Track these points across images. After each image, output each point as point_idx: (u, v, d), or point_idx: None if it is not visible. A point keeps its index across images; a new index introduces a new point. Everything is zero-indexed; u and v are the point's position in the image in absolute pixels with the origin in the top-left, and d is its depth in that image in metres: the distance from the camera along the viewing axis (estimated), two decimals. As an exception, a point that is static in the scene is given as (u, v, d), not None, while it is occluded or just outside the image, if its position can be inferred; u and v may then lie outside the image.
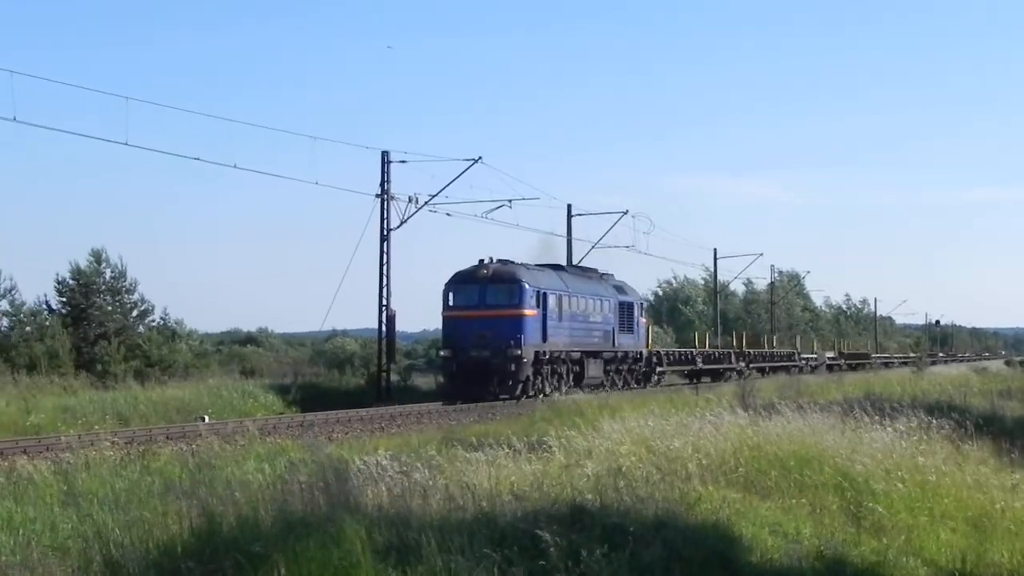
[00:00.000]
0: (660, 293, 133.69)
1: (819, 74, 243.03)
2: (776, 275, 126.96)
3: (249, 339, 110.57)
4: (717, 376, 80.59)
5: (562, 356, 55.08)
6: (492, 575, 11.82)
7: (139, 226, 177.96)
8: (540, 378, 52.63)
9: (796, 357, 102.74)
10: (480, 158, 54.39)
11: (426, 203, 54.73)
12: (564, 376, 55.51)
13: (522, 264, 54.72)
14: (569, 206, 72.21)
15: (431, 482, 15.44)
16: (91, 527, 14.59)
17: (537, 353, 51.65)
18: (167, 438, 28.31)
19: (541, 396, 50.77)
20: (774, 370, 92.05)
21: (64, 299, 62.95)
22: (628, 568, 12.84)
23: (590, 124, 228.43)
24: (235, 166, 46.90)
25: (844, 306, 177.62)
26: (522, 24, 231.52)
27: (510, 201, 57.77)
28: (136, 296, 66.05)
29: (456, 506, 14.17)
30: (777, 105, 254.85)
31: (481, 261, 53.41)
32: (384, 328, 55.38)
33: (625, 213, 72.28)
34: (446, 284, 53.30)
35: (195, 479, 18.56)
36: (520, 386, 50.91)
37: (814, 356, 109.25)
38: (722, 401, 28.83)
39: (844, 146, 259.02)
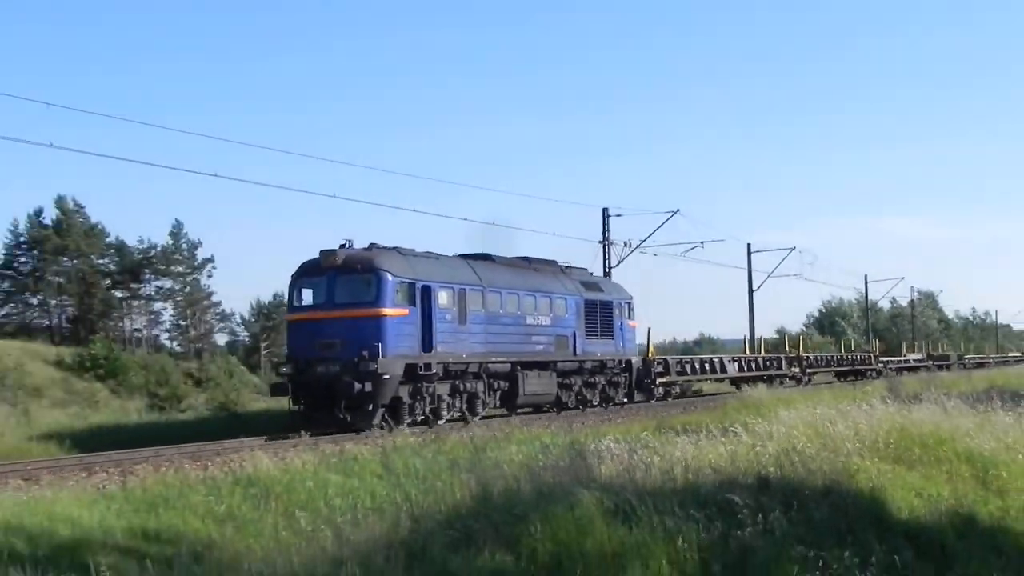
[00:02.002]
0: (824, 310, 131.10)
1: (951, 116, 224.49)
2: (915, 295, 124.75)
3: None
4: (769, 383, 53.56)
5: (471, 369, 30.90)
6: (696, 530, 11.69)
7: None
8: (424, 399, 28.84)
9: (872, 361, 74.31)
10: (678, 210, 54.49)
11: (637, 247, 54.39)
12: (481, 394, 31.31)
13: (393, 248, 29.97)
14: (748, 245, 69.97)
15: (649, 459, 15.40)
16: (400, 494, 14.83)
17: (414, 366, 28.01)
18: (451, 428, 28.17)
19: (439, 424, 29.07)
20: (844, 375, 67.70)
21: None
22: (803, 524, 12.76)
23: (768, 171, 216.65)
24: (494, 223, 46.38)
25: (971, 317, 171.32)
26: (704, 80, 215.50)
27: (702, 243, 57.13)
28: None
29: (668, 477, 14.10)
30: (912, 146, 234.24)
31: (343, 245, 29.73)
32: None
33: (792, 249, 70.25)
34: (291, 277, 30.49)
35: (473, 458, 18.76)
36: (381, 412, 27.51)
37: (900, 359, 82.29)
38: (875, 394, 28.29)
39: (974, 182, 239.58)
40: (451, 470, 17.23)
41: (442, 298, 29.24)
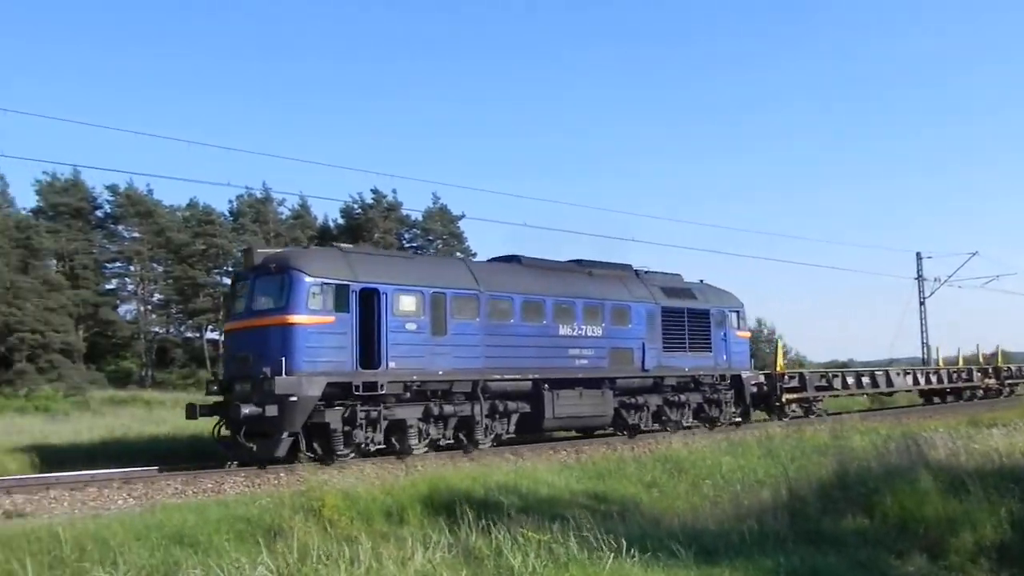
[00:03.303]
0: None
1: None
2: None
3: (842, 366, 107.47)
4: (958, 397, 41.71)
5: (457, 388, 20.67)
6: (1014, 503, 11.48)
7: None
8: (367, 426, 18.86)
9: None
10: (976, 252, 53.54)
11: (944, 281, 53.13)
12: (479, 418, 20.89)
13: (333, 246, 21.23)
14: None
15: (968, 447, 15.12)
16: (779, 470, 15.24)
17: (346, 386, 18.36)
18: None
19: (414, 454, 19.48)
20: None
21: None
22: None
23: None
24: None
25: None
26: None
27: (997, 276, 54.34)
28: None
29: (987, 460, 13.83)
30: None
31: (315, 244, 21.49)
32: (924, 356, 53.22)
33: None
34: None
35: (831, 445, 18.85)
36: (288, 443, 17.82)
37: None
38: None
39: None
40: (814, 454, 17.50)
41: (403, 304, 19.61)
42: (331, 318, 18.37)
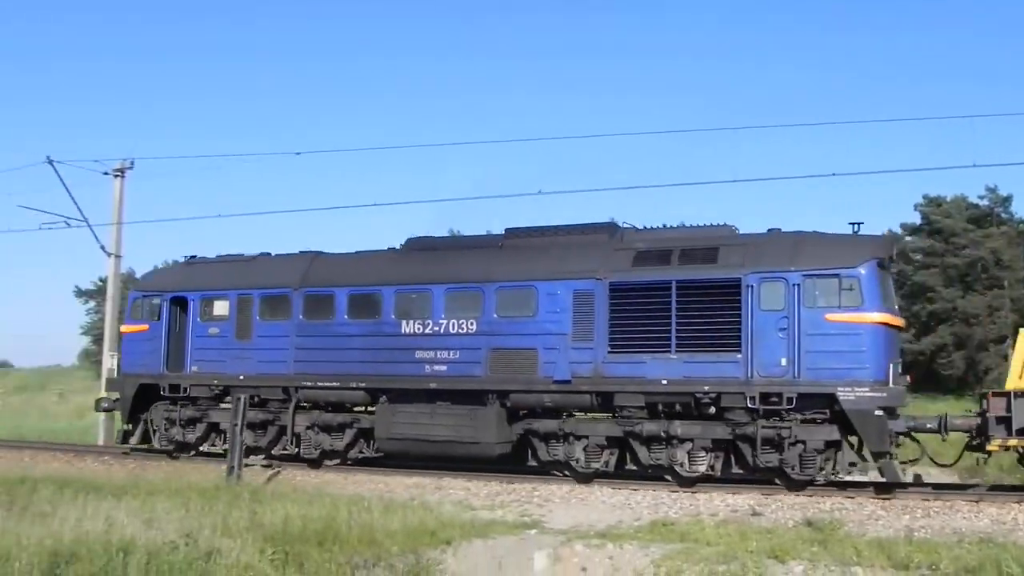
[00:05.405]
0: None
1: None
2: None
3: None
4: None
5: (267, 395, 19.73)
6: None
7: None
8: (178, 424, 20.87)
9: None
10: None
11: None
12: (292, 426, 19.32)
13: (189, 258, 22.80)
14: None
15: None
16: None
17: (154, 387, 20.93)
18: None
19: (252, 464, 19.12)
20: None
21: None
22: None
23: None
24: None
25: None
26: None
27: None
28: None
29: None
30: None
31: None
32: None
33: None
34: None
35: None
36: (133, 433, 21.65)
37: None
38: None
39: None
40: None
41: (213, 309, 20.44)
42: (145, 326, 21.45)
